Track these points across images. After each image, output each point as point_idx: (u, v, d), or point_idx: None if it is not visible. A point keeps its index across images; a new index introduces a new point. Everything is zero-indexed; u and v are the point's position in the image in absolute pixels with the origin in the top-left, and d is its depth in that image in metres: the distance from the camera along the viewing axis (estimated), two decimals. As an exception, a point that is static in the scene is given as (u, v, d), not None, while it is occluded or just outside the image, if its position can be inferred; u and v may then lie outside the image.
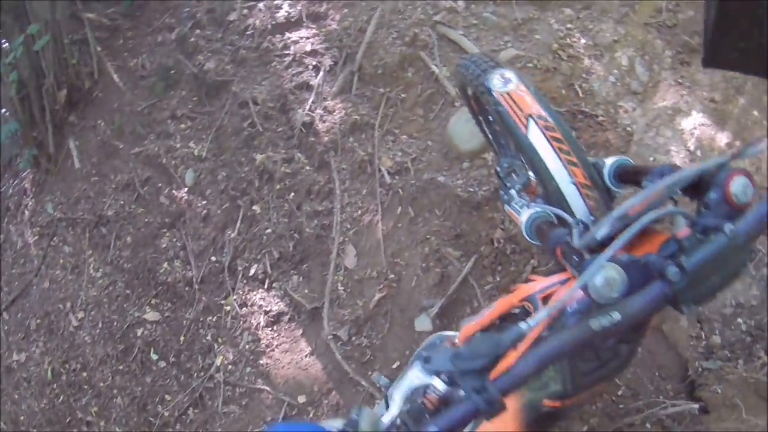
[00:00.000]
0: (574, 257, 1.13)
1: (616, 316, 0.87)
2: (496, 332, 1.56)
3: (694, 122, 2.64)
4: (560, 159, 1.39)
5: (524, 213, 1.44)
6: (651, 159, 2.61)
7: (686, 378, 2.25)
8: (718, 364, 2.24)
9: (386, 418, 1.25)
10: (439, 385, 1.23)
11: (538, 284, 1.40)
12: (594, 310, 0.90)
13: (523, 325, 0.85)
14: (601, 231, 1.05)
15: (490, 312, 1.53)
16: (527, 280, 1.49)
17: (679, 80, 2.76)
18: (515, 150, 1.55)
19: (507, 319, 1.50)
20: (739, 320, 2.29)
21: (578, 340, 0.87)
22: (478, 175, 2.61)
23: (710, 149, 2.61)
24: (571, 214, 1.38)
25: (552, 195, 1.41)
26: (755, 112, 2.67)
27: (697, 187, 1.04)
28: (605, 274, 0.90)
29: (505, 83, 1.46)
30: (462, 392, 0.82)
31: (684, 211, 1.01)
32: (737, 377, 2.16)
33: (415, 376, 1.24)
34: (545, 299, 1.34)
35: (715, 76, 2.70)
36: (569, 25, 2.92)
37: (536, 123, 1.41)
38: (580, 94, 2.72)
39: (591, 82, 2.77)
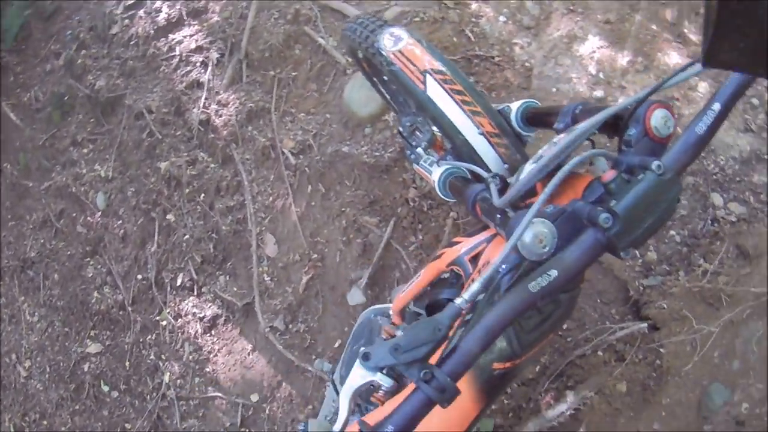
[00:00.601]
0: (497, 215, 1.06)
1: (553, 273, 0.82)
2: (430, 301, 1.49)
3: (592, 46, 2.59)
4: (464, 111, 1.31)
5: (435, 171, 1.37)
6: (553, 90, 2.56)
7: (629, 299, 2.22)
8: (658, 280, 2.22)
9: (337, 426, 1.17)
10: (384, 380, 1.15)
11: (464, 245, 1.35)
12: (527, 268, 0.87)
13: (458, 300, 0.81)
14: (521, 186, 0.99)
15: (419, 281, 1.49)
16: (452, 243, 1.42)
17: (571, 7, 2.71)
18: (416, 109, 1.45)
19: (437, 285, 1.47)
20: (672, 232, 2.27)
21: (520, 307, 0.83)
22: (382, 138, 2.53)
23: (612, 70, 2.57)
24: (484, 165, 1.31)
25: (461, 149, 1.33)
26: (653, 26, 2.64)
27: (615, 125, 0.98)
28: (534, 231, 0.86)
29: (395, 41, 1.36)
30: (411, 384, 0.77)
31: (606, 152, 0.95)
32: (680, 289, 2.14)
33: (357, 375, 1.16)
34: (473, 259, 1.30)
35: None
36: (452, -28, 2.84)
37: (434, 77, 1.32)
38: (473, 39, 2.65)
39: (482, 25, 2.70)
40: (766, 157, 2.32)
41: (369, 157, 2.47)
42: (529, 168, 1.04)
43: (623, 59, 2.53)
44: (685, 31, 2.61)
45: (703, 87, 2.47)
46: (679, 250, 2.24)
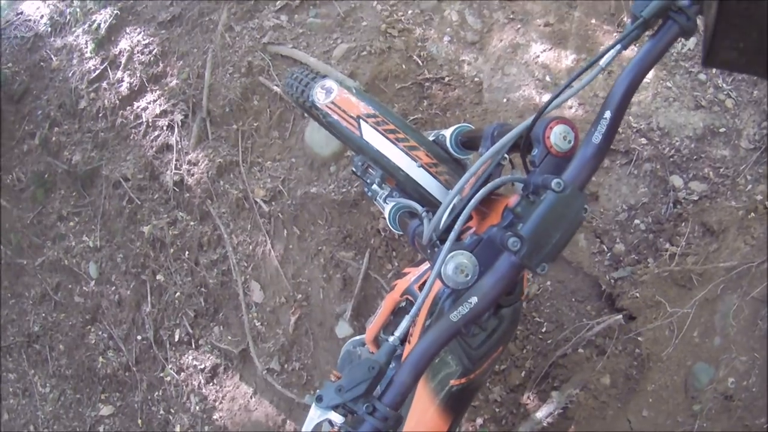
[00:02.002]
0: (428, 249, 1.11)
1: (473, 300, 0.87)
2: (385, 334, 1.55)
3: (536, 51, 2.62)
4: (400, 148, 1.35)
5: (386, 208, 1.41)
6: (504, 100, 2.60)
7: (602, 294, 2.26)
8: (628, 271, 2.24)
9: None
10: (336, 417, 1.21)
11: (412, 275, 1.43)
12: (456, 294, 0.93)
13: (391, 338, 0.88)
14: (434, 223, 1.04)
15: (381, 312, 1.57)
16: (402, 274, 1.48)
17: (511, 16, 2.74)
18: (358, 152, 1.50)
19: (398, 313, 1.54)
20: (636, 221, 2.30)
21: (444, 337, 0.88)
22: (347, 175, 2.58)
23: (557, 72, 2.60)
24: (429, 195, 1.36)
25: (405, 184, 1.37)
26: (592, 20, 2.66)
27: (524, 146, 1.01)
28: (455, 263, 0.91)
29: (327, 93, 1.41)
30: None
31: (515, 177, 0.98)
32: (651, 276, 2.17)
33: (315, 414, 1.22)
34: (422, 286, 1.34)
35: (545, 0, 2.69)
36: (392, 2, 2.88)
37: (367, 122, 1.37)
38: (421, 63, 2.69)
39: (428, 48, 2.74)
40: (722, 130, 2.31)
41: (337, 194, 2.52)
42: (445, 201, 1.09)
43: (567, 59, 2.56)
44: (625, 19, 2.60)
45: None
46: (645, 238, 2.26)
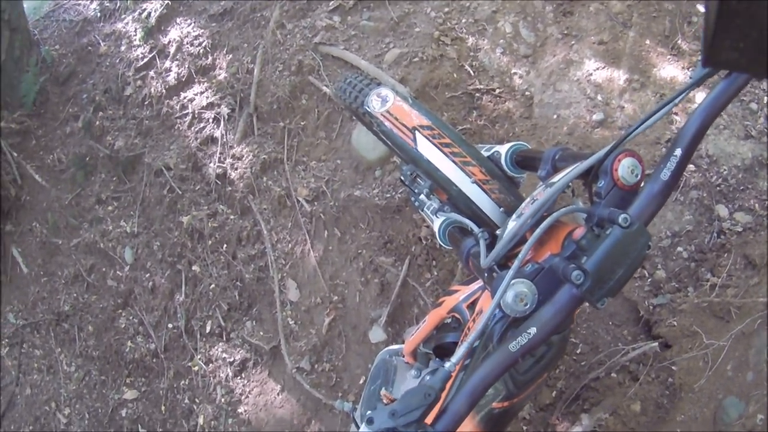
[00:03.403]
0: (485, 273, 1.08)
1: (532, 331, 0.85)
2: (436, 343, 1.52)
3: (588, 68, 2.57)
4: (455, 163, 1.32)
5: (436, 221, 1.38)
6: (554, 116, 2.55)
7: (640, 320, 2.19)
8: (667, 298, 2.18)
9: None
10: None
11: (461, 293, 1.39)
12: (512, 322, 0.92)
13: (447, 364, 0.85)
14: (501, 248, 1.01)
15: (425, 326, 1.53)
16: (450, 291, 1.44)
17: (565, 32, 2.68)
18: (410, 163, 1.47)
19: (441, 329, 1.50)
20: (679, 249, 2.23)
21: (502, 367, 0.86)
22: (392, 180, 2.54)
23: (609, 91, 2.54)
24: (481, 212, 1.33)
25: (457, 198, 1.34)
26: (647, 41, 2.60)
27: (590, 175, 0.98)
28: (515, 291, 0.90)
29: (382, 102, 1.38)
30: None
31: (579, 208, 0.95)
32: (690, 305, 2.10)
33: None
34: (471, 306, 1.34)
35: (600, 17, 2.63)
36: (446, 9, 2.84)
37: (422, 134, 1.33)
38: (472, 73, 2.65)
39: (480, 59, 2.70)
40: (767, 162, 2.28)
41: (380, 199, 2.48)
42: (510, 226, 1.05)
43: (620, 78, 2.50)
44: (679, 42, 2.56)
45: (702, 97, 2.43)
46: (687, 266, 2.20)
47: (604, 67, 2.54)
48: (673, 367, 2.08)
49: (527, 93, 2.60)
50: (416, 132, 1.33)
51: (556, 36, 2.69)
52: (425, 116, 1.35)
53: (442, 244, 1.38)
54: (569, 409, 2.22)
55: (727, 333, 2.03)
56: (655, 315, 2.19)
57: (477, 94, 2.61)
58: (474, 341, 0.88)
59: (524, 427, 2.22)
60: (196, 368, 2.84)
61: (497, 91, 2.61)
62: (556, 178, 1.03)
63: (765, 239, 2.19)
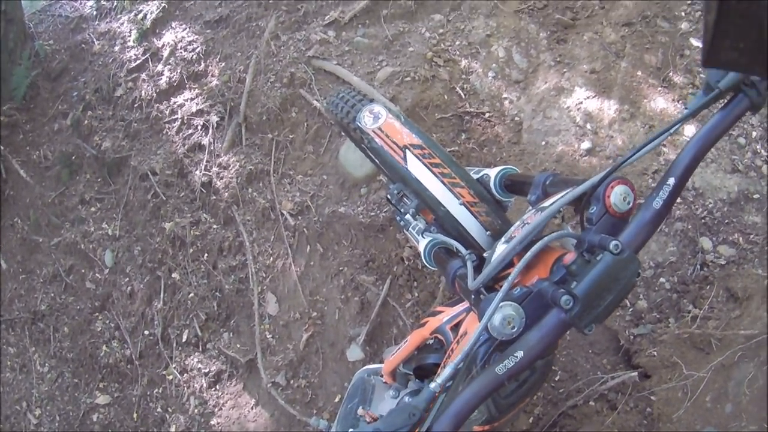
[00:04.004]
0: (472, 295, 1.07)
1: (519, 354, 0.85)
2: (417, 364, 1.50)
3: (579, 97, 2.56)
4: (444, 184, 1.30)
5: (422, 242, 1.36)
6: (543, 143, 2.54)
7: (620, 349, 2.18)
8: (648, 328, 2.17)
9: None
10: None
11: (445, 314, 1.37)
12: (498, 344, 0.91)
13: (432, 385, 0.85)
14: (490, 271, 1.01)
15: (406, 346, 1.50)
16: (434, 312, 1.42)
17: (558, 59, 2.67)
18: (399, 181, 1.45)
19: (423, 349, 1.48)
20: (662, 279, 2.22)
21: (488, 390, 0.86)
22: (377, 198, 2.51)
23: (599, 120, 2.54)
24: (467, 234, 1.31)
25: (444, 219, 1.32)
26: (638, 72, 2.60)
27: (580, 200, 0.97)
28: (503, 314, 0.88)
29: (375, 119, 1.36)
30: None
31: (570, 233, 0.95)
32: (670, 336, 2.09)
33: None
34: (454, 328, 1.31)
35: (593, 46, 2.63)
36: (441, 31, 2.82)
37: (413, 153, 1.31)
38: (463, 96, 2.63)
39: (472, 82, 2.68)
40: (755, 197, 2.26)
41: (365, 217, 2.45)
42: (499, 249, 1.04)
43: (610, 108, 2.49)
44: (671, 74, 2.56)
45: (690, 130, 2.43)
46: (668, 297, 2.19)
47: (594, 96, 2.53)
48: (651, 397, 2.07)
49: (517, 118, 2.58)
50: (407, 150, 1.32)
51: (548, 63, 2.68)
52: (417, 135, 1.33)
53: (427, 264, 1.36)
54: None
55: (707, 364, 2.02)
56: (635, 345, 2.18)
57: (467, 117, 2.60)
58: (460, 362, 0.87)
59: (500, 455, 2.19)
60: (171, 377, 2.79)
61: (487, 114, 2.59)
62: (547, 203, 1.03)
63: (747, 272, 2.19)
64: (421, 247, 1.35)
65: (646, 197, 0.89)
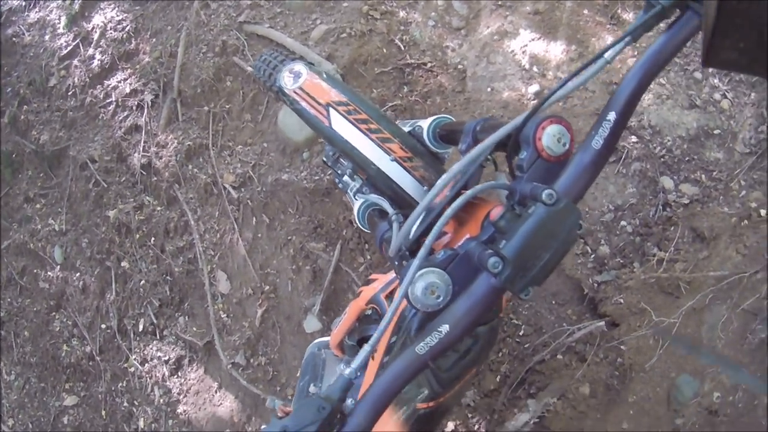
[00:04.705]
0: (395, 261, 0.94)
1: (444, 328, 0.72)
2: (359, 336, 1.37)
3: (524, 40, 2.41)
4: (372, 140, 1.19)
5: (355, 204, 1.25)
6: (488, 89, 2.39)
7: (584, 298, 2.06)
8: (612, 275, 2.04)
9: None
10: None
11: (380, 283, 1.26)
12: (429, 315, 0.78)
13: (347, 371, 0.74)
14: (409, 234, 0.87)
15: (346, 318, 1.39)
16: (368, 281, 1.31)
17: (499, 2, 2.52)
18: (327, 142, 1.31)
19: (363, 320, 1.37)
20: (623, 223, 2.09)
21: (409, 373, 0.73)
22: (320, 162, 2.36)
23: (545, 62, 2.39)
24: (403, 192, 1.19)
25: (376, 178, 1.20)
26: (585, 11, 2.45)
27: (511, 147, 0.83)
28: (424, 282, 0.75)
29: (295, 78, 1.23)
30: None
31: (498, 183, 0.80)
32: (636, 281, 1.97)
33: None
34: (389, 296, 1.22)
35: None
36: (376, -17, 2.65)
37: (336, 110, 1.19)
38: (403, 48, 2.47)
39: (411, 33, 2.52)
40: (716, 132, 2.12)
41: (309, 182, 2.30)
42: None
43: (557, 49, 2.35)
44: (619, 11, 2.41)
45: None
46: (631, 241, 2.07)
47: (540, 38, 2.39)
48: (621, 347, 1.94)
49: (460, 66, 2.43)
50: (330, 108, 1.19)
51: (489, 7, 2.52)
52: (340, 91, 1.21)
53: (362, 228, 1.25)
54: (515, 394, 2.08)
55: (677, 309, 1.90)
56: (600, 293, 2.05)
57: (408, 69, 2.44)
58: (374, 344, 0.74)
59: (469, 415, 2.08)
60: (132, 369, 2.66)
61: (429, 65, 2.44)
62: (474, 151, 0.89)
63: (712, 211, 2.08)
64: (354, 209, 1.24)
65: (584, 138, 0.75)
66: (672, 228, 2.05)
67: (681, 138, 2.14)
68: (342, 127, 1.19)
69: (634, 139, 2.22)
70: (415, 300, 0.75)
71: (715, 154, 2.07)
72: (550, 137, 0.78)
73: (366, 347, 0.74)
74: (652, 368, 1.89)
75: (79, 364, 2.84)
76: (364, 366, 0.75)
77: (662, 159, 2.13)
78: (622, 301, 1.97)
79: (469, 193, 0.78)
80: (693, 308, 1.88)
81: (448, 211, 0.76)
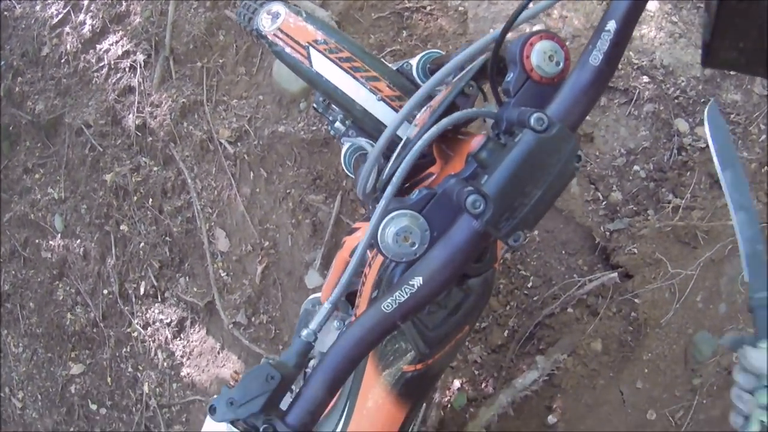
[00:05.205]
0: (369, 203, 0.88)
1: (417, 282, 0.62)
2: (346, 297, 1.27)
3: None
4: (356, 79, 1.11)
5: (342, 147, 1.19)
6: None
7: (596, 247, 1.94)
8: (625, 223, 1.92)
9: None
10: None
11: (362, 232, 1.17)
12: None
13: (304, 332, 0.66)
14: (373, 168, 0.79)
15: (332, 272, 1.32)
16: (351, 230, 1.22)
17: None
18: (311, 86, 1.23)
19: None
20: (636, 168, 1.97)
21: (375, 334, 0.63)
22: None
23: None
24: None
25: (363, 120, 1.13)
26: None
27: (493, 67, 0.72)
28: (395, 227, 0.64)
29: (273, 19, 1.15)
30: None
31: (482, 110, 0.71)
32: (651, 230, 1.86)
33: (211, 425, 0.98)
34: (371, 247, 1.10)
35: None
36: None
37: (317, 50, 1.11)
38: (400, -9, 2.35)
39: (408, -26, 2.40)
40: (732, 72, 2.00)
41: (306, 133, 2.20)
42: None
43: (569, -22, 2.22)
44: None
45: None
46: (645, 187, 1.95)
47: (544, -26, 2.25)
48: (636, 300, 1.83)
49: (461, 8, 2.30)
50: (310, 48, 1.11)
51: (490, -56, 2.39)
52: (321, 30, 1.12)
53: (348, 173, 1.18)
54: (523, 350, 1.98)
55: (695, 260, 1.80)
56: (612, 242, 1.93)
57: (406, 13, 2.32)
58: (335, 302, 0.66)
59: (476, 372, 1.99)
60: (135, 333, 2.60)
61: (428, 8, 2.31)
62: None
63: None
64: (341, 154, 1.18)
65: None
66: (688, 173, 1.92)
67: (695, 78, 2.01)
68: (323, 67, 1.10)
69: (645, 79, 2.10)
70: (386, 249, 0.64)
71: (732, 95, 1.94)
72: (540, 55, 0.67)
73: (326, 305, 0.66)
74: (668, 323, 1.80)
75: (84, 331, 2.78)
76: (320, 327, 0.67)
77: (676, 100, 2.00)
78: (635, 250, 1.86)
79: (444, 121, 0.67)
80: (711, 259, 1.78)
81: (422, 141, 0.67)
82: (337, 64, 1.10)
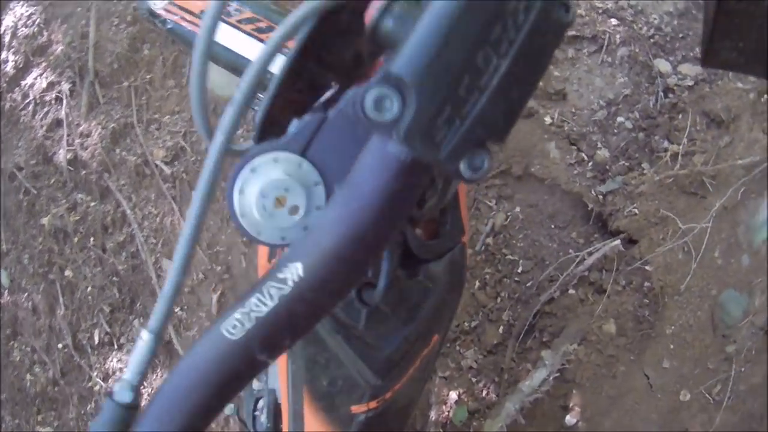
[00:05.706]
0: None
1: (292, 274, 0.35)
2: None
3: None
4: (262, 42, 0.93)
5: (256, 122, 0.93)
6: None
7: (589, 215, 1.71)
8: (619, 182, 1.70)
9: None
10: None
11: None
12: None
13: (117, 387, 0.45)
14: (235, 108, 0.51)
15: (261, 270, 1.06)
16: None
17: None
18: (211, 61, 1.00)
19: None
20: (620, 119, 1.76)
21: (213, 377, 0.39)
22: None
23: None
24: None
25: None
26: None
27: None
28: (259, 184, 0.39)
29: None
30: None
31: None
32: (650, 185, 1.65)
33: None
34: None
35: None
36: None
37: None
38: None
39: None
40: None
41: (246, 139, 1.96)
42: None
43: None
44: None
45: None
46: (634, 138, 1.75)
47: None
48: (646, 268, 1.59)
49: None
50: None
51: None
52: None
53: None
54: (525, 346, 1.72)
55: (706, 211, 1.57)
56: (607, 205, 1.71)
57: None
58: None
59: (473, 379, 1.72)
60: (97, 387, 2.33)
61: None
62: None
63: (726, 89, 1.73)
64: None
65: None
66: (680, 116, 1.72)
67: (669, 14, 1.84)
68: (224, 34, 0.91)
69: (614, 21, 1.91)
70: (251, 226, 0.39)
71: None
72: None
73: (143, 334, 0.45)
74: (687, 288, 1.55)
75: (46, 392, 2.51)
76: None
77: (652, 40, 1.82)
78: (636, 211, 1.64)
79: (297, 13, 0.40)
80: (724, 207, 1.56)
81: (277, 34, 0.40)
82: (236, 28, 0.93)
